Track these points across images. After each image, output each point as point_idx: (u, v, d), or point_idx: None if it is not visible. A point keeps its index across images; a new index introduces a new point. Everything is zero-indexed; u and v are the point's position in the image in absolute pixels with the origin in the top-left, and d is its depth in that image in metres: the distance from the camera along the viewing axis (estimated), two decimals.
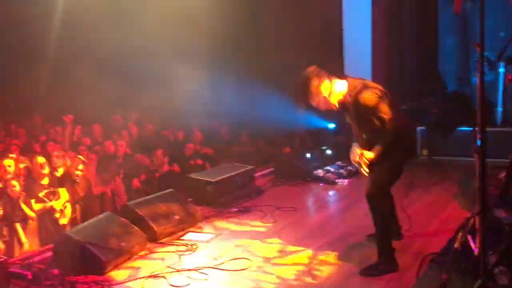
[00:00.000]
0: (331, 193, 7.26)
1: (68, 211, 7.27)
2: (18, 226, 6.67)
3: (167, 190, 6.14)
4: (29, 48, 10.26)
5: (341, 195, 7.11)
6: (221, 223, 5.98)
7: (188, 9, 9.66)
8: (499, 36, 8.28)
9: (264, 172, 8.12)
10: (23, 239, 6.65)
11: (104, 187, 8.04)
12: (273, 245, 5.16)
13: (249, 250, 5.07)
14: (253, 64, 11.25)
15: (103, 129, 10.16)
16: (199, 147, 10.01)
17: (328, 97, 4.32)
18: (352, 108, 4.33)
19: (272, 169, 8.19)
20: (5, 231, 6.58)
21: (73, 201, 7.41)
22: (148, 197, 5.93)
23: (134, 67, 10.06)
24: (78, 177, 7.66)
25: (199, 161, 9.69)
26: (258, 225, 5.84)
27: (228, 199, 6.64)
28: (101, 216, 5.30)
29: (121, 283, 4.46)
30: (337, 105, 4.40)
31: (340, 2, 9.38)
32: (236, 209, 6.38)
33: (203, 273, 4.55)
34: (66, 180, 7.59)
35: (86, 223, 5.08)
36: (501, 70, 8.07)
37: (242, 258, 4.84)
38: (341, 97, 4.34)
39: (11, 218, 6.61)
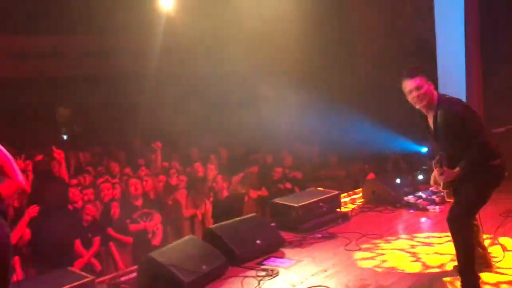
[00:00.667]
0: (421, 220, 6.95)
1: (160, 232, 7.54)
2: (113, 247, 7.02)
3: (250, 214, 6.21)
4: (127, 75, 10.92)
5: (431, 223, 6.77)
6: (304, 249, 5.91)
7: (277, 34, 9.77)
8: None
9: (352, 197, 7.96)
10: (118, 259, 6.99)
11: (194, 210, 8.26)
12: (353, 275, 5.00)
13: (331, 278, 4.97)
14: (343, 86, 11.14)
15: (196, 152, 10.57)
16: (288, 171, 10.03)
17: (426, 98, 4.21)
18: (440, 121, 4.19)
19: (360, 194, 8.00)
20: (101, 251, 6.97)
21: (164, 223, 7.68)
22: (231, 220, 6.00)
23: (225, 91, 10.31)
24: (170, 199, 7.95)
25: (288, 185, 9.69)
26: (341, 253, 5.70)
27: (312, 225, 6.55)
28: (184, 238, 5.45)
29: None
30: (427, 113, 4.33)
31: (432, 20, 9.06)
32: (320, 235, 6.29)
33: None
34: (159, 203, 7.88)
35: (169, 245, 5.23)
36: None
37: (322, 286, 4.76)
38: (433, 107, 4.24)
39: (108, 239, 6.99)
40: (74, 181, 7.94)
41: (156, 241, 7.43)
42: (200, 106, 9.74)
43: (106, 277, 5.02)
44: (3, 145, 3.25)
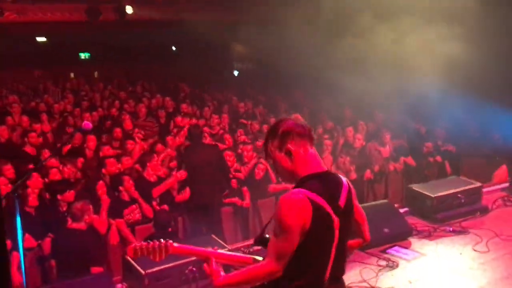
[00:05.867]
0: None
1: None
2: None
3: (381, 201, 6.50)
4: None
5: None
6: (431, 242, 6.09)
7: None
8: None
9: (495, 187, 7.77)
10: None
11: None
12: (473, 281, 5.13)
13: (448, 280, 5.15)
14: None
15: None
16: (440, 143, 9.92)
17: None
18: None
19: (505, 185, 7.77)
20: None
21: None
22: (361, 205, 6.34)
23: None
24: None
25: (438, 158, 9.64)
26: (468, 253, 5.78)
27: (447, 216, 6.64)
28: None
29: None
30: None
31: None
32: (451, 229, 6.38)
33: None
34: None
35: None
36: None
37: None
38: None
39: None
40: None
41: None
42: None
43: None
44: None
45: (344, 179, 2.85)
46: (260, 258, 2.77)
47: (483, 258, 5.62)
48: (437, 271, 5.37)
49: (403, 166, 9.40)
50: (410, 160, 9.43)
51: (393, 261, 5.54)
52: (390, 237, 6.01)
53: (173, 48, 21.86)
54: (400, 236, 6.10)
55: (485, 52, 8.64)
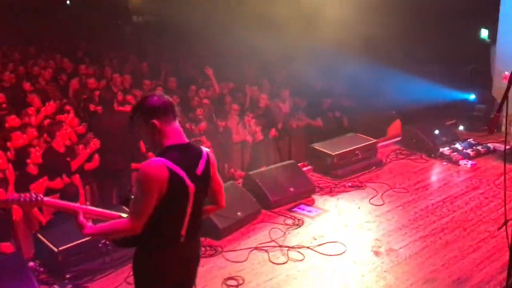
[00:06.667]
0: (450, 175, 7.28)
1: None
2: None
3: (288, 162, 6.84)
4: None
5: (459, 180, 7.12)
6: (333, 198, 6.56)
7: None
8: None
9: (389, 141, 8.40)
10: None
11: (244, 136, 8.91)
12: (370, 233, 5.63)
13: (350, 234, 5.61)
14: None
15: None
16: (339, 99, 10.37)
17: None
18: None
19: (398, 139, 8.41)
20: None
21: (215, 148, 8.41)
22: (269, 167, 6.67)
23: None
24: (221, 126, 8.61)
25: (337, 114, 10.09)
26: (365, 207, 6.29)
27: (346, 172, 7.13)
28: (225, 184, 6.17)
29: (231, 251, 5.36)
30: None
31: None
32: (350, 184, 6.88)
33: (300, 253, 5.26)
34: (210, 130, 8.56)
35: None
36: None
37: (338, 242, 5.41)
38: None
39: None
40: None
41: None
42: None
43: None
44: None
45: (205, 151, 3.11)
46: (125, 215, 3.08)
47: (378, 211, 6.18)
48: (338, 226, 5.82)
49: (305, 123, 9.76)
50: (318, 122, 9.70)
51: (299, 219, 5.93)
52: (295, 195, 6.38)
53: (67, 1, 20.80)
54: (304, 194, 6.50)
55: (380, 15, 9.15)
